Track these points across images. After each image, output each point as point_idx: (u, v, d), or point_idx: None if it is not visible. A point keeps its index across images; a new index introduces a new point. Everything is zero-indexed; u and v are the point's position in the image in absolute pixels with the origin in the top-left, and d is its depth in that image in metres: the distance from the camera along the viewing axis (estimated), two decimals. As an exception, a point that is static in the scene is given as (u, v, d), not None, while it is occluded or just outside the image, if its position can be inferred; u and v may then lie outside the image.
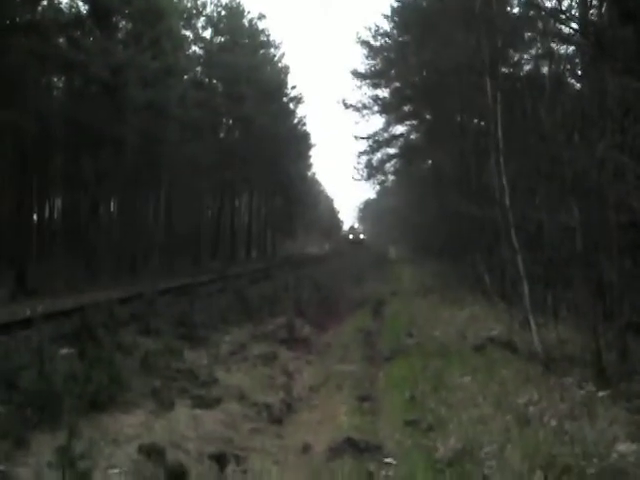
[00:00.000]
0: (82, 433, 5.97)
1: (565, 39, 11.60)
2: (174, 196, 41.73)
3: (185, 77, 39.28)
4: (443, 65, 23.98)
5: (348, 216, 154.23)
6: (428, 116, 37.00)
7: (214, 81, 48.78)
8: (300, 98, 62.49)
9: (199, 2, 46.62)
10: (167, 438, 7.50)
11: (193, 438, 7.86)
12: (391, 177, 50.94)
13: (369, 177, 46.32)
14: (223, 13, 48.89)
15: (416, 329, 16.72)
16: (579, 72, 13.27)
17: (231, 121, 53.57)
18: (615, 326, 9.71)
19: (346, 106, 42.38)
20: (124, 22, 34.38)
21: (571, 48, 12.92)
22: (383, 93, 42.24)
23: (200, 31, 47.58)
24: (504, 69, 17.07)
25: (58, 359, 8.82)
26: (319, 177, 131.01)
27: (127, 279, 28.83)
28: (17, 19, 26.02)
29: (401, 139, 44.65)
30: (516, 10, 19.30)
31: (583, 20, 10.95)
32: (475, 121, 23.67)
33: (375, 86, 41.83)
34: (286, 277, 26.91)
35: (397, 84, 40.49)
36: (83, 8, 31.40)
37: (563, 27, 10.96)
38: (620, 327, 9.56)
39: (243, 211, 64.92)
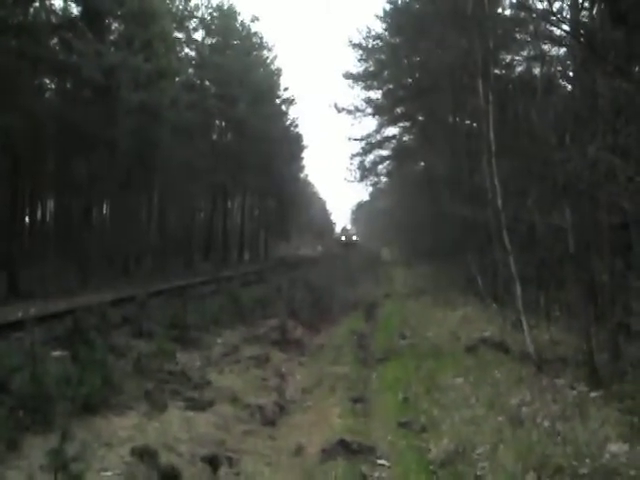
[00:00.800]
0: (75, 436, 5.96)
1: (557, 41, 11.64)
2: (167, 198, 41.59)
3: (177, 79, 39.09)
4: (435, 67, 24.02)
5: (341, 218, 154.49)
6: (421, 118, 37.01)
7: (206, 83, 48.67)
8: (292, 100, 62.48)
9: (191, 4, 46.46)
10: (160, 440, 7.50)
11: (186, 440, 7.86)
12: (384, 179, 51.02)
13: (362, 179, 46.36)
14: (215, 15, 48.81)
15: (409, 330, 16.76)
16: (571, 74, 13.29)
17: (224, 123, 53.47)
18: (607, 327, 9.75)
19: (338, 110, 42.40)
20: (116, 24, 34.25)
21: (563, 50, 12.97)
22: (376, 95, 42.31)
23: (192, 33, 47.46)
24: (496, 71, 17.10)
25: (51, 362, 8.80)
26: (312, 179, 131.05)
27: (119, 281, 28.74)
28: (9, 21, 25.88)
29: (394, 141, 44.67)
30: (508, 12, 19.36)
31: (574, 22, 10.99)
32: (467, 122, 23.71)
33: (367, 88, 41.84)
34: (279, 279, 26.92)
35: (389, 86, 40.51)
36: (75, 10, 31.31)
37: (555, 29, 10.99)
38: (612, 328, 9.59)
39: (236, 213, 64.76)
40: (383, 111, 42.09)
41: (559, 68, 13.59)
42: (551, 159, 10.00)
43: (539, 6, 10.77)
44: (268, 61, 57.08)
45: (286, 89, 61.22)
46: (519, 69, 20.45)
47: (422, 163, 38.26)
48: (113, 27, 34.18)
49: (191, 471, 7.05)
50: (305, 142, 73.12)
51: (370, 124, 66.89)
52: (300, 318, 18.65)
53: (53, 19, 29.26)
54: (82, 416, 7.73)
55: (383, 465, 7.33)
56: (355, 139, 43.78)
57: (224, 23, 48.96)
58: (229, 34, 49.70)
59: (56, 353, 10.23)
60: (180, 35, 44.47)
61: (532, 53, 16.57)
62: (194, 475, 7.01)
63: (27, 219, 33.14)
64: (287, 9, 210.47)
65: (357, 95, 42.23)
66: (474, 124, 20.94)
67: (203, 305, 17.82)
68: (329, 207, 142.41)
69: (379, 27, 39.74)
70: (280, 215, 68.27)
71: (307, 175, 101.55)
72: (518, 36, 19.13)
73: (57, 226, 34.45)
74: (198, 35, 48.10)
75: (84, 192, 32.13)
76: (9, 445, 6.55)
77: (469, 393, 9.42)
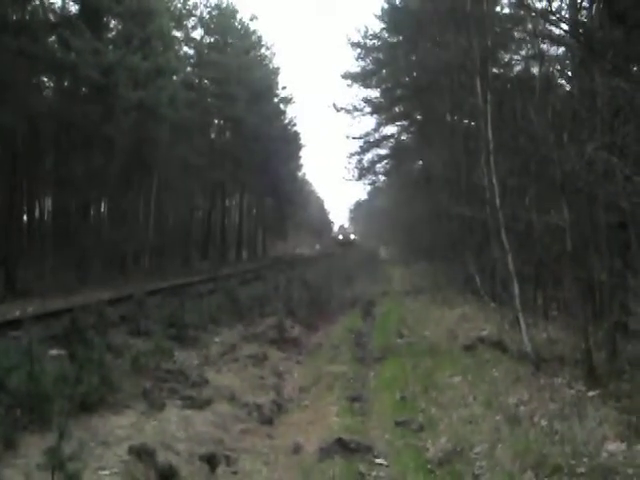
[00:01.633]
0: (72, 434, 5.94)
1: (555, 40, 11.64)
2: (165, 197, 41.55)
3: (175, 77, 39.06)
4: (434, 65, 24.00)
5: (340, 217, 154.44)
6: (419, 116, 37.03)
7: (205, 81, 48.66)
8: (290, 99, 62.53)
9: (190, 2, 46.45)
10: (158, 439, 7.49)
11: (184, 439, 7.85)
12: (382, 177, 50.98)
13: (360, 177, 46.37)
14: (214, 13, 48.81)
15: (407, 329, 16.77)
16: (569, 73, 13.30)
17: (222, 121, 53.49)
18: (605, 326, 9.75)
19: (337, 109, 42.42)
20: (114, 22, 34.25)
21: (561, 49, 12.98)
22: (374, 94, 42.33)
23: (191, 31, 47.46)
24: (494, 70, 17.09)
25: (48, 360, 8.78)
26: (310, 178, 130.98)
27: (117, 280, 28.73)
28: (7, 19, 25.86)
29: (392, 140, 44.69)
30: (506, 11, 19.35)
31: (573, 21, 11.00)
32: (465, 121, 23.71)
33: (366, 87, 41.87)
34: (277, 278, 26.89)
35: (388, 85, 40.55)
36: (73, 8, 31.29)
37: (553, 28, 10.99)
38: (610, 327, 9.60)
39: (234, 212, 64.79)
40: (381, 110, 42.13)
41: (557, 67, 13.60)
42: (549, 158, 10.00)
43: (538, 5, 10.78)
44: (266, 60, 57.18)
45: (284, 88, 61.38)
46: (517, 68, 20.46)
47: (420, 162, 38.24)
48: (111, 25, 34.18)
49: (189, 470, 7.04)
50: (303, 141, 73.23)
51: (368, 123, 66.94)
52: (298, 317, 18.65)
53: (51, 17, 29.25)
54: (79, 415, 7.72)
55: (381, 464, 7.32)
56: (353, 138, 43.82)
57: (223, 22, 48.97)
58: (227, 33, 49.73)
59: (53, 352, 10.23)
60: (178, 34, 44.45)
61: (530, 52, 16.56)
62: (192, 474, 7.00)
63: (25, 217, 33.06)
64: (285, 8, 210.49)
65: (355, 94, 42.35)
66: (472, 123, 20.94)
67: (201, 304, 17.80)
68: (327, 206, 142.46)
69: (377, 26, 39.88)
70: (278, 214, 68.34)
71: (305, 174, 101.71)
72: (516, 35, 19.10)
73: (55, 224, 34.34)
74: (197, 34, 48.12)
75: (82, 190, 32.07)
76: (6, 444, 6.54)
77: (467, 392, 9.42)
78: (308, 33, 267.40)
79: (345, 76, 42.28)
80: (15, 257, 26.82)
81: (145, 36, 32.61)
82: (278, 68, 59.65)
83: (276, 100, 60.36)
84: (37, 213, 35.36)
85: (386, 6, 37.99)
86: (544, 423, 7.27)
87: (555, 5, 10.84)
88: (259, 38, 55.30)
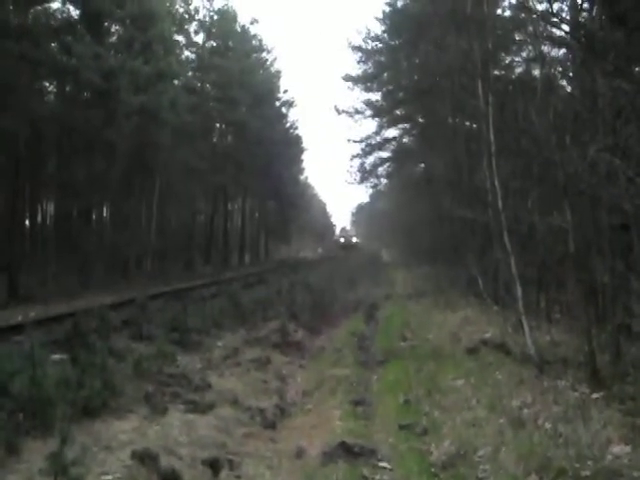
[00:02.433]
0: (74, 439, 5.93)
1: (556, 42, 11.63)
2: (167, 201, 41.59)
3: (177, 82, 39.11)
4: (435, 68, 24.02)
5: (342, 220, 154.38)
6: (420, 119, 37.01)
7: (206, 85, 48.69)
8: (292, 102, 62.57)
9: (191, 7, 46.49)
10: (160, 444, 7.47)
11: (186, 443, 7.83)
12: (384, 180, 50.92)
13: (362, 180, 46.30)
14: (215, 18, 48.84)
15: (410, 332, 16.75)
16: (570, 74, 13.29)
17: (224, 125, 53.51)
18: (608, 328, 9.73)
19: (338, 112, 42.41)
20: (116, 27, 34.30)
21: (562, 51, 12.97)
22: (375, 97, 42.31)
23: (192, 36, 47.52)
24: (496, 72, 17.09)
25: (50, 365, 8.77)
26: (312, 181, 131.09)
27: (120, 284, 28.74)
28: (9, 24, 25.90)
29: (394, 142, 44.62)
30: (507, 13, 19.36)
31: (574, 23, 10.99)
32: (467, 124, 23.70)
33: (367, 90, 41.85)
34: (279, 281, 26.88)
35: (389, 87, 40.52)
36: (74, 13, 31.34)
37: (554, 30, 10.99)
38: (613, 329, 9.58)
39: (236, 215, 64.80)
40: (383, 113, 42.09)
41: (559, 69, 13.59)
42: (551, 160, 9.99)
43: (539, 7, 10.78)
44: (268, 63, 57.21)
45: (286, 91, 61.43)
46: (519, 70, 20.47)
47: (422, 164, 38.24)
48: (112, 30, 34.20)
49: (192, 474, 7.02)
50: (305, 144, 73.27)
51: (370, 126, 66.83)
52: (301, 320, 18.62)
53: (52, 22, 29.29)
54: (82, 419, 7.71)
55: (384, 468, 7.30)
56: (355, 141, 43.75)
57: (224, 26, 48.98)
58: (229, 37, 49.75)
59: (56, 356, 10.21)
60: (180, 38, 44.51)
61: (532, 54, 16.55)
62: (195, 478, 6.99)
63: (27, 222, 33.10)
64: (286, 11, 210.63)
65: (357, 97, 42.24)
66: (474, 125, 20.93)
67: (203, 308, 17.79)
68: (329, 209, 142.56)
69: (378, 29, 39.79)
70: (280, 217, 68.32)
71: (307, 177, 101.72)
72: (518, 37, 19.12)
73: (57, 229, 34.40)
74: (198, 38, 48.17)
75: (84, 195, 32.10)
76: (8, 449, 6.53)
77: (470, 395, 9.41)
78: (309, 36, 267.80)
79: (346, 79, 42.28)
80: (17, 262, 26.83)
81: (146, 40, 32.64)
82: (279, 71, 59.76)
83: (278, 104, 60.39)
84: (39, 218, 35.42)
85: (387, 9, 38.00)
86: (548, 426, 7.25)
87: (556, 7, 10.86)
88: (260, 42, 55.36)
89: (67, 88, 32.80)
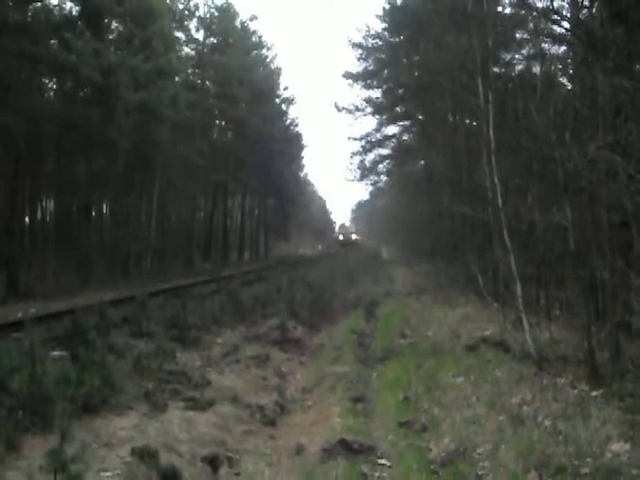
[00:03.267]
0: (74, 436, 5.93)
1: (556, 39, 11.63)
2: (167, 198, 41.56)
3: (177, 79, 39.06)
4: (435, 65, 23.98)
5: (342, 218, 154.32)
6: (420, 117, 37.00)
7: (206, 82, 48.69)
8: (292, 99, 62.54)
9: (191, 3, 46.43)
10: (160, 441, 7.48)
11: (186, 440, 7.84)
12: (384, 178, 50.92)
13: (362, 178, 46.29)
14: (215, 14, 48.79)
15: (409, 329, 16.75)
16: (571, 72, 13.27)
17: (224, 122, 53.52)
18: (608, 325, 9.73)
19: (338, 109, 42.40)
20: (115, 23, 34.26)
21: (562, 48, 12.96)
22: (375, 94, 42.32)
23: (192, 32, 47.50)
24: (496, 69, 17.08)
25: (50, 362, 8.77)
26: (312, 178, 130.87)
27: (119, 281, 28.74)
28: (8, 21, 25.86)
29: (393, 140, 44.66)
30: (508, 10, 19.34)
31: (574, 20, 10.96)
32: (467, 121, 23.69)
33: (367, 87, 41.85)
34: (279, 278, 26.89)
35: (389, 85, 40.51)
36: (74, 10, 31.30)
37: (555, 27, 10.98)
38: (613, 326, 9.57)
39: (236, 212, 64.75)
40: (383, 110, 42.10)
41: (559, 66, 13.57)
42: (551, 157, 9.98)
43: (539, 4, 10.76)
44: (268, 60, 57.15)
45: (286, 88, 61.40)
46: (519, 67, 20.47)
47: (422, 162, 38.22)
48: (112, 26, 34.17)
49: (191, 471, 7.04)
50: (305, 141, 73.30)
51: (370, 123, 66.93)
52: (300, 317, 18.65)
53: (52, 19, 29.24)
54: (82, 416, 7.72)
55: (384, 465, 7.31)
56: (355, 138, 43.77)
57: (224, 22, 48.93)
58: (229, 33, 49.70)
59: (55, 353, 10.22)
60: (180, 34, 44.46)
61: (532, 51, 16.57)
62: (194, 475, 7.00)
63: (27, 219, 33.05)
64: (286, 8, 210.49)
65: (357, 94, 42.26)
66: (474, 123, 20.93)
67: (203, 305, 17.80)
68: (330, 206, 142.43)
69: (379, 26, 39.82)
70: (280, 215, 68.28)
71: (307, 174, 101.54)
72: (518, 34, 19.13)
73: (57, 226, 34.37)
74: (198, 34, 48.13)
75: (84, 192, 32.12)
76: (8, 446, 6.54)
77: (470, 392, 9.41)
78: (309, 33, 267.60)
79: (346, 76, 42.28)
80: (17, 259, 26.84)
81: (146, 37, 32.59)
82: (279, 68, 59.69)
83: (278, 101, 60.36)
84: (39, 215, 35.35)
85: (387, 6, 38.01)
86: (547, 423, 7.25)
87: (556, 4, 10.82)
88: (260, 39, 55.33)
89: (67, 85, 32.76)
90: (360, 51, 41.02)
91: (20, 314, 16.53)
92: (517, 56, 21.25)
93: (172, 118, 34.60)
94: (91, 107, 29.53)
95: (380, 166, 46.43)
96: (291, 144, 62.94)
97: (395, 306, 22.77)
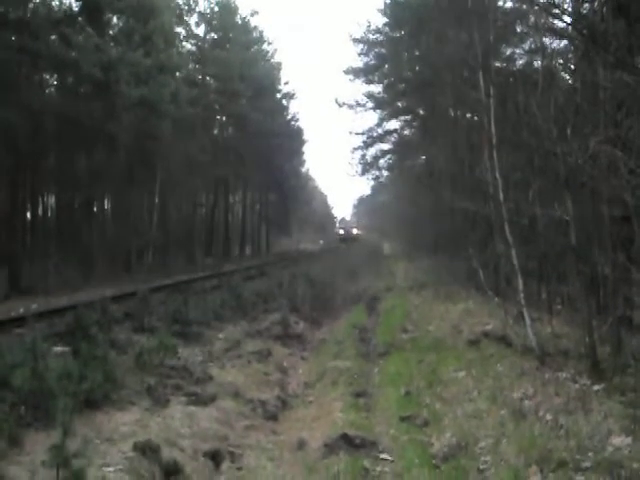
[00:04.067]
0: (76, 431, 5.95)
1: (558, 33, 11.59)
2: (168, 193, 41.58)
3: (178, 74, 39.05)
4: (436, 60, 23.97)
5: (344, 213, 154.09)
6: (421, 111, 36.98)
7: (207, 78, 48.69)
8: (293, 94, 62.55)
9: (192, -2, 46.49)
10: (162, 435, 7.50)
11: (188, 435, 7.86)
12: (385, 173, 50.92)
13: (363, 173, 46.34)
14: (216, 10, 48.76)
15: (411, 324, 16.75)
16: (572, 66, 13.24)
17: (225, 118, 53.52)
18: (609, 320, 9.73)
19: (340, 104, 42.40)
20: (116, 19, 34.24)
21: (564, 42, 12.92)
22: (376, 89, 42.30)
23: (193, 28, 47.48)
24: (497, 64, 17.05)
25: (52, 357, 8.80)
26: (314, 173, 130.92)
27: (121, 277, 28.79)
28: (8, 16, 25.86)
29: (395, 134, 44.64)
30: (508, 4, 19.30)
31: (576, 14, 10.94)
32: (468, 116, 23.66)
33: (368, 82, 41.83)
34: (280, 273, 26.92)
35: (390, 79, 40.47)
36: (74, 5, 31.28)
37: (556, 21, 10.95)
38: (614, 321, 9.57)
39: (237, 208, 64.77)
40: (384, 105, 42.07)
41: (560, 61, 13.54)
42: (552, 152, 9.97)
43: (540, -2, 10.73)
44: (268, 55, 57.15)
45: (287, 83, 61.47)
46: (520, 62, 20.42)
47: (423, 157, 38.20)
48: (113, 22, 34.14)
49: (193, 466, 7.05)
50: (307, 137, 73.38)
51: (371, 118, 66.78)
52: (302, 312, 18.67)
53: (52, 14, 29.20)
54: (84, 412, 7.73)
55: (386, 459, 7.32)
56: (356, 133, 43.78)
57: (224, 17, 48.92)
58: (229, 28, 49.69)
59: (57, 349, 10.24)
60: (180, 30, 44.46)
61: (533, 46, 16.51)
62: (196, 470, 7.02)
63: (28, 215, 33.09)
64: (286, 4, 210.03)
65: (358, 89, 42.24)
66: (475, 117, 20.89)
67: (205, 300, 17.82)
68: (331, 201, 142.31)
69: (380, 21, 39.79)
70: (281, 209, 68.32)
71: (308, 169, 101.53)
72: (519, 29, 19.07)
73: (58, 222, 34.43)
74: (199, 30, 48.09)
75: (85, 187, 32.15)
76: (11, 441, 6.56)
77: (471, 387, 9.42)
78: (310, 28, 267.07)
79: (347, 71, 42.27)
80: (19, 255, 26.87)
81: (147, 33, 32.61)
82: (280, 63, 59.77)
83: (279, 96, 60.38)
84: (41, 210, 35.39)
85: (388, 1, 37.96)
86: (549, 417, 7.26)
87: (557, -2, 10.79)
88: (261, 33, 55.33)
89: (68, 80, 32.76)
90: (361, 46, 41.01)
91: (22, 310, 16.57)
92: (518, 51, 21.21)
93: (173, 113, 34.61)
94: (92, 102, 29.57)
95: (381, 161, 46.49)
96: (292, 139, 62.95)
97: (396, 301, 22.76)
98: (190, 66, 46.02)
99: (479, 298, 17.71)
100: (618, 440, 6.34)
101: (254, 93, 49.63)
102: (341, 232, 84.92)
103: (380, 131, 44.09)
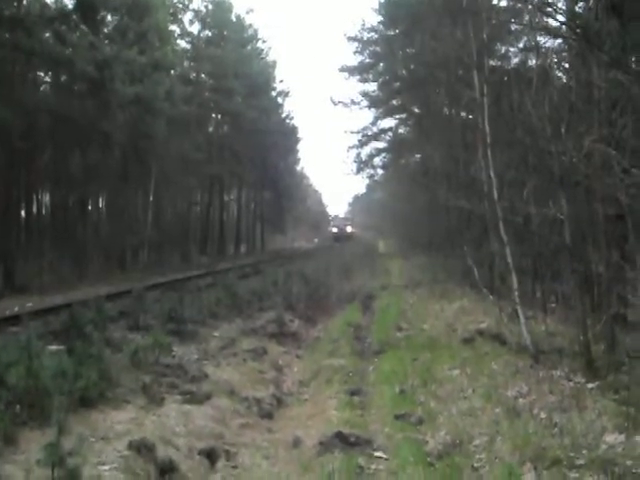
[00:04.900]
0: (71, 430, 5.94)
1: (552, 32, 11.61)
2: (163, 191, 41.56)
3: (172, 72, 39.02)
4: (430, 59, 23.99)
5: (339, 211, 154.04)
6: (416, 110, 37.04)
7: (202, 76, 48.68)
8: (288, 92, 62.59)
9: (186, -4, 46.40)
10: (157, 434, 7.49)
11: (183, 434, 7.85)
12: (380, 171, 51.04)
13: (358, 171, 46.45)
14: (210, 7, 48.74)
15: (405, 323, 16.76)
16: (566, 65, 13.28)
17: (219, 116, 53.53)
18: (603, 318, 9.76)
19: (334, 103, 42.48)
20: (110, 17, 34.18)
21: (558, 41, 12.95)
22: (371, 87, 42.38)
23: (187, 25, 47.43)
24: (491, 62, 17.08)
25: (47, 355, 8.77)
26: (308, 172, 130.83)
27: (116, 275, 28.76)
28: (2, 13, 25.80)
29: (390, 133, 44.76)
30: (503, 3, 19.31)
31: (570, 13, 10.96)
32: (463, 114, 23.71)
33: (363, 80, 41.92)
34: (275, 272, 26.88)
35: (385, 78, 40.53)
36: (69, 2, 31.22)
37: (550, 20, 10.97)
38: (608, 319, 9.61)
39: (232, 206, 64.76)
40: (379, 103, 42.16)
41: (554, 59, 13.57)
42: (547, 150, 9.99)
43: (534, -3, 10.76)
44: (263, 53, 57.17)
45: (281, 81, 61.60)
46: (514, 60, 20.45)
47: (418, 155, 38.29)
48: (107, 20, 34.09)
49: (189, 464, 7.05)
50: (302, 135, 73.52)
51: (366, 116, 66.90)
52: (297, 310, 18.66)
53: (46, 12, 29.15)
54: (79, 410, 7.72)
55: (380, 457, 7.33)
56: (351, 132, 43.87)
57: (219, 15, 48.92)
58: (224, 26, 49.67)
59: (52, 347, 10.21)
60: (175, 27, 44.39)
61: (527, 44, 16.56)
62: (192, 468, 7.01)
63: (23, 213, 33.04)
64: (281, 1, 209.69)
65: (353, 88, 42.34)
66: (469, 116, 20.93)
67: (200, 298, 17.79)
68: (326, 200, 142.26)
69: (374, 19, 39.89)
70: (276, 208, 68.35)
71: (303, 168, 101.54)
72: (513, 27, 19.09)
73: (53, 220, 34.40)
74: (193, 28, 48.05)
75: (80, 185, 32.10)
76: (5, 440, 6.54)
77: (466, 385, 9.44)
78: (305, 26, 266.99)
79: (342, 69, 42.32)
80: (13, 252, 26.81)
81: (141, 30, 32.58)
82: (275, 61, 59.85)
83: (273, 94, 60.42)
84: (35, 208, 35.33)
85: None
86: (543, 415, 7.29)
87: (552, -3, 10.81)
88: (255, 31, 55.32)
89: (62, 78, 32.70)
90: (356, 44, 41.09)
91: (17, 308, 16.54)
92: (513, 49, 21.25)
93: (167, 111, 34.59)
94: (86, 100, 29.56)
95: (376, 159, 46.60)
96: (287, 137, 62.99)
97: (391, 299, 22.78)
98: (185, 64, 46.02)
99: (474, 296, 17.75)
100: (612, 438, 6.37)
101: (249, 91, 49.64)
102: (334, 230, 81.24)
103: (375, 129, 44.25)
